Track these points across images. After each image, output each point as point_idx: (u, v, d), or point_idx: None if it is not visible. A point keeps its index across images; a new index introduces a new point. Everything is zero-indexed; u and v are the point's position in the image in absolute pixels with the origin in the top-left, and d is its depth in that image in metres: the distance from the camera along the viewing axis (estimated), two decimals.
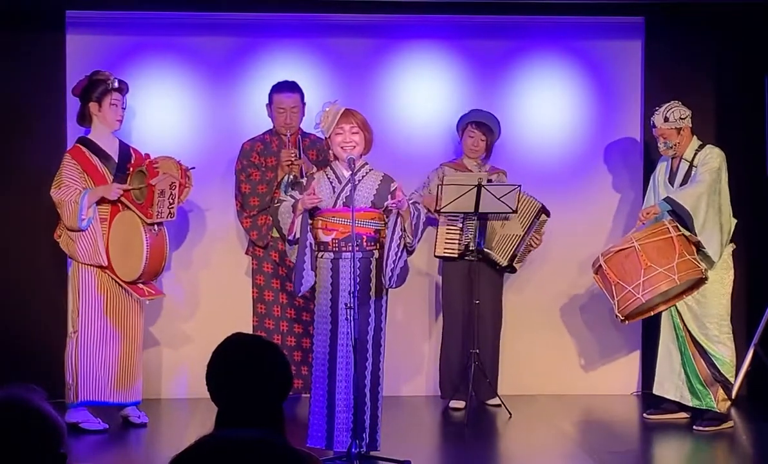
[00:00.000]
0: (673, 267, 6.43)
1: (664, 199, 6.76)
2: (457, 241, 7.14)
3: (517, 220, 7.16)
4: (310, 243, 5.69)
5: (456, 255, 7.15)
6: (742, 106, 7.69)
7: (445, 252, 7.19)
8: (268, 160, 7.12)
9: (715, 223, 6.67)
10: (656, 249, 6.48)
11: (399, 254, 5.66)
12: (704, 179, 6.69)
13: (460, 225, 7.12)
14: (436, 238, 7.22)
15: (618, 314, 6.55)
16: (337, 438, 5.68)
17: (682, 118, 6.79)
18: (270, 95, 7.14)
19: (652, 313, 6.75)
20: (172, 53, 7.53)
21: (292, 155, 6.94)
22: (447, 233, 7.17)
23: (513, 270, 7.35)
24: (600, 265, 6.60)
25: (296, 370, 6.85)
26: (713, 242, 6.66)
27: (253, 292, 7.20)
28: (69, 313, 7.06)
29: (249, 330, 6.79)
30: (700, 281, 6.57)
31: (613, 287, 6.53)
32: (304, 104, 7.12)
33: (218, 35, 7.56)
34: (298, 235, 5.68)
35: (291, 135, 7.03)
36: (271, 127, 7.18)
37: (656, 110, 6.86)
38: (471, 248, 7.10)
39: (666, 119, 6.78)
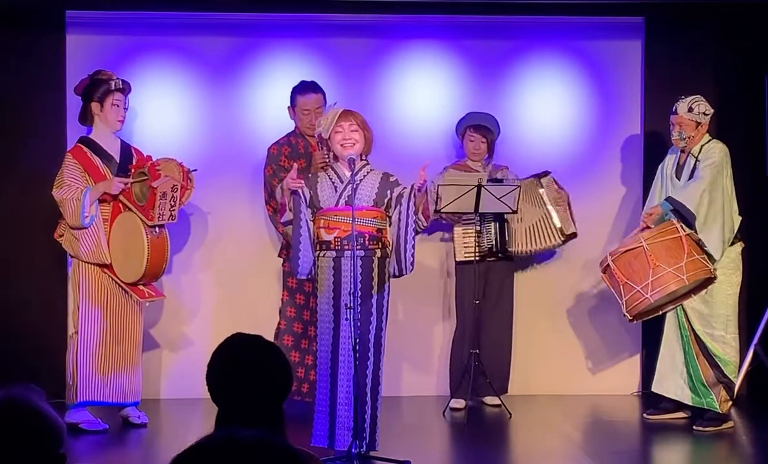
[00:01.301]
0: (681, 267, 6.39)
1: (666, 199, 6.74)
2: (475, 244, 7.12)
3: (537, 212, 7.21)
4: (306, 226, 5.68)
5: (477, 259, 7.09)
6: (742, 106, 7.68)
7: (465, 257, 7.18)
8: (297, 162, 7.01)
9: (715, 220, 6.65)
10: (665, 249, 6.44)
11: (414, 237, 5.66)
12: (705, 175, 6.67)
13: (477, 227, 7.11)
14: (454, 243, 7.22)
15: (626, 313, 6.54)
16: (338, 438, 5.69)
17: (705, 114, 6.77)
18: (293, 97, 7.05)
19: (660, 313, 6.74)
20: (172, 53, 7.53)
21: (326, 156, 6.86)
22: (464, 236, 7.17)
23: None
24: (608, 264, 6.57)
25: None
26: (713, 239, 6.62)
27: (283, 294, 6.99)
28: (70, 314, 7.06)
29: (267, 333, 6.73)
30: (709, 280, 6.55)
31: (621, 287, 6.50)
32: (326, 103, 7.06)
33: (218, 35, 7.56)
34: (290, 217, 5.70)
35: (317, 135, 6.96)
36: (293, 128, 7.06)
37: (681, 98, 6.79)
38: (494, 250, 7.10)
39: (690, 109, 6.73)
